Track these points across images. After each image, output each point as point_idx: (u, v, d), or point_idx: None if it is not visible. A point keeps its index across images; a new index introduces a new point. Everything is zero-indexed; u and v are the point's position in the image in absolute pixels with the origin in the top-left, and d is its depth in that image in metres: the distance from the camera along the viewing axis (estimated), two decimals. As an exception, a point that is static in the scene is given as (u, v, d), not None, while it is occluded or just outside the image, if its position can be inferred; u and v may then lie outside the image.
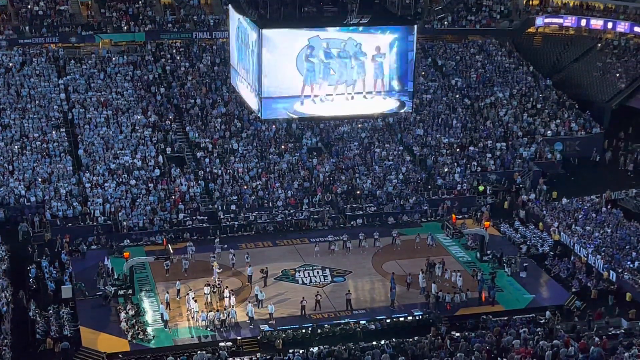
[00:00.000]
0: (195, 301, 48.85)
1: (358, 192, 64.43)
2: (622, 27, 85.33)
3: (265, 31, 45.25)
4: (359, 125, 72.69)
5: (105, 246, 57.29)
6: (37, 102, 70.79)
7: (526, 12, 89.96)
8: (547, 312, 49.06)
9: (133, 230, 59.01)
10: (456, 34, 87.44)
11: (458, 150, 71.01)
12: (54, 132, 67.78)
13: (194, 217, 60.56)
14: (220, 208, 61.66)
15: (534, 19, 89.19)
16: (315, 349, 44.98)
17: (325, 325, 47.93)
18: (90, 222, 59.27)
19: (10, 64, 74.52)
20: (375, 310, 49.97)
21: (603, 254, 55.39)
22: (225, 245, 56.40)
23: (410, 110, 53.06)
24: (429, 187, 66.35)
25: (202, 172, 65.39)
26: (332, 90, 46.98)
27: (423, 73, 79.95)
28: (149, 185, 63.14)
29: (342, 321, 48.49)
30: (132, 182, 63.15)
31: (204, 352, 44.74)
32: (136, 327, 47.06)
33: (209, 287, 50.47)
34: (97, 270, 52.78)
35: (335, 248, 57.37)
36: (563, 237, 59.01)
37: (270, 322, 48.01)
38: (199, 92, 74.60)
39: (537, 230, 60.84)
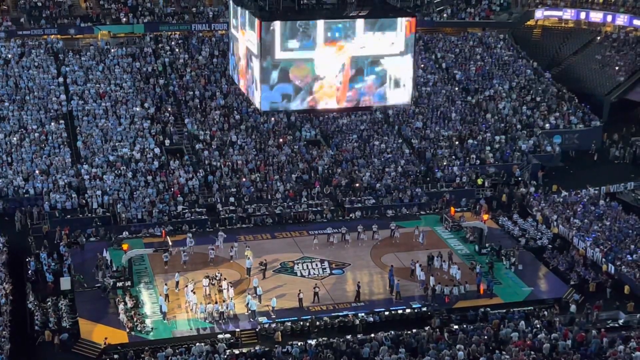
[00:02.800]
0: (194, 293, 48.87)
1: (357, 185, 64.42)
2: (622, 20, 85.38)
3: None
4: (361, 117, 72.66)
5: (104, 238, 57.25)
6: (35, 93, 70.72)
7: (525, 5, 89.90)
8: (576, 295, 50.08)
9: (132, 222, 59.00)
10: (455, 26, 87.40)
11: (457, 143, 70.99)
12: (52, 123, 67.72)
13: (193, 210, 60.53)
14: (219, 200, 61.64)
15: (533, 12, 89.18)
16: (313, 341, 45.04)
17: (324, 318, 47.98)
18: (89, 214, 59.25)
19: (9, 56, 74.41)
20: (374, 302, 50.01)
21: (602, 246, 55.44)
22: (239, 242, 55.79)
23: (409, 103, 52.98)
24: (428, 179, 66.36)
25: (202, 165, 65.39)
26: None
27: (422, 66, 79.90)
28: (148, 177, 63.09)
29: (341, 313, 48.53)
30: (131, 174, 63.11)
31: (202, 344, 44.79)
32: (135, 319, 47.10)
33: (207, 279, 50.49)
34: (96, 262, 52.75)
35: (334, 240, 57.39)
36: (562, 230, 59.06)
37: (272, 316, 47.97)
38: (197, 84, 74.53)
39: (535, 222, 60.82)
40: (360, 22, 45.18)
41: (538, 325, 46.29)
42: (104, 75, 74.01)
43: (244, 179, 63.83)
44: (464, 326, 46.76)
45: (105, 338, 45.23)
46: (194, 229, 58.42)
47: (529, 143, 71.42)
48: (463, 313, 48.84)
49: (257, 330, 46.89)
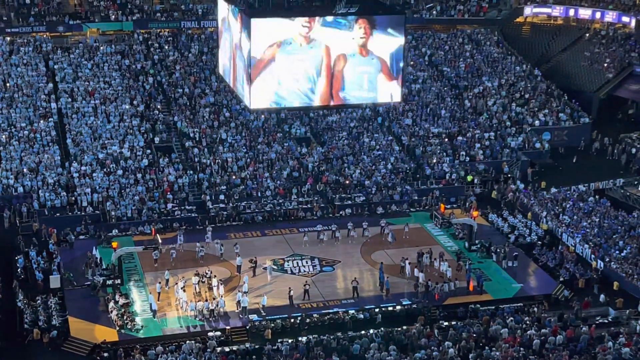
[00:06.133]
0: (184, 291, 48.82)
1: (347, 182, 64.44)
2: (610, 16, 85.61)
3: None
4: (351, 114, 72.63)
5: (93, 236, 57.13)
6: (24, 91, 70.43)
7: (514, 2, 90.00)
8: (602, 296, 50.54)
9: (121, 220, 58.87)
10: (445, 23, 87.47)
11: (447, 139, 71.08)
12: (41, 121, 67.46)
13: (183, 207, 60.44)
14: (209, 198, 61.54)
15: (522, 9, 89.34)
16: (304, 339, 45.07)
17: (314, 315, 48.01)
18: (79, 212, 59.06)
19: (-3, 53, 74.21)
20: (364, 299, 50.06)
21: (591, 243, 55.64)
22: (237, 245, 54.72)
23: (399, 100, 53.08)
24: (418, 176, 66.44)
25: (191, 163, 65.32)
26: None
27: (412, 63, 79.96)
28: (137, 175, 62.95)
29: (331, 311, 48.57)
30: (120, 172, 62.95)
31: (192, 341, 44.75)
32: (125, 317, 47.01)
33: (197, 277, 50.45)
34: (86, 260, 52.67)
35: (324, 238, 57.42)
36: (551, 227, 59.22)
37: (262, 314, 47.96)
38: (187, 81, 74.38)
39: (525, 219, 60.97)
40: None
41: (528, 322, 46.44)
42: (93, 72, 73.76)
43: (234, 177, 63.74)
44: (454, 323, 46.89)
45: (105, 340, 45.16)
46: (184, 227, 58.33)
47: (518, 140, 71.58)
48: (451, 310, 49.04)
49: (247, 327, 46.89)
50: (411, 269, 52.17)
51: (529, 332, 44.90)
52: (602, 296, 50.15)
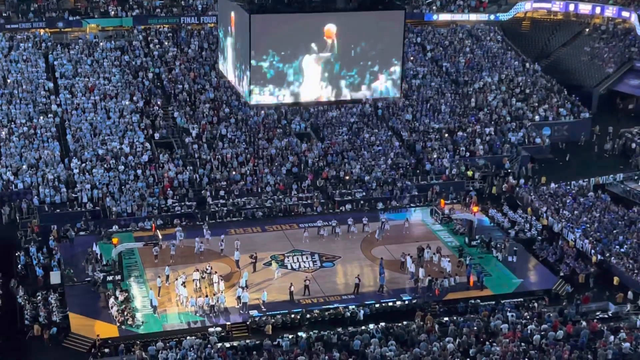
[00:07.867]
0: (185, 287, 48.83)
1: (347, 178, 64.42)
2: (610, 11, 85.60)
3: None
4: (351, 110, 72.58)
5: (93, 232, 57.12)
6: (23, 87, 70.39)
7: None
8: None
9: (121, 216, 58.87)
10: (444, 17, 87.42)
11: (447, 135, 71.03)
12: (41, 117, 67.44)
13: (183, 203, 60.43)
14: (209, 194, 61.53)
15: (522, 4, 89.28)
16: (304, 334, 45.10)
17: (315, 310, 48.04)
18: (79, 208, 59.05)
19: (-3, 50, 74.17)
20: (364, 295, 50.08)
21: (591, 238, 55.65)
22: (238, 242, 54.34)
23: (399, 96, 53.08)
24: (418, 172, 66.41)
25: (191, 158, 65.31)
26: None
27: (412, 58, 79.90)
28: (137, 171, 62.93)
29: (332, 306, 48.59)
30: (121, 167, 62.93)
31: (193, 337, 44.78)
32: (125, 313, 47.02)
33: (198, 273, 50.47)
34: (86, 256, 52.67)
35: (325, 233, 57.41)
36: (551, 222, 59.22)
37: (263, 309, 47.99)
38: (187, 77, 74.33)
39: (525, 214, 60.96)
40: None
41: (528, 317, 46.47)
42: (93, 68, 73.72)
43: (234, 172, 63.72)
44: (454, 318, 46.93)
45: (97, 335, 45.16)
46: (184, 223, 58.34)
47: (518, 135, 71.56)
48: (452, 305, 49.05)
49: (247, 323, 46.92)
50: (416, 265, 52.06)
51: (529, 327, 44.94)
52: (630, 293, 50.07)
